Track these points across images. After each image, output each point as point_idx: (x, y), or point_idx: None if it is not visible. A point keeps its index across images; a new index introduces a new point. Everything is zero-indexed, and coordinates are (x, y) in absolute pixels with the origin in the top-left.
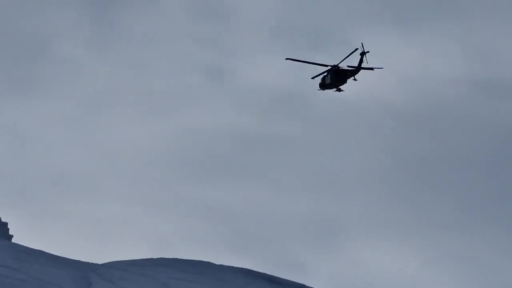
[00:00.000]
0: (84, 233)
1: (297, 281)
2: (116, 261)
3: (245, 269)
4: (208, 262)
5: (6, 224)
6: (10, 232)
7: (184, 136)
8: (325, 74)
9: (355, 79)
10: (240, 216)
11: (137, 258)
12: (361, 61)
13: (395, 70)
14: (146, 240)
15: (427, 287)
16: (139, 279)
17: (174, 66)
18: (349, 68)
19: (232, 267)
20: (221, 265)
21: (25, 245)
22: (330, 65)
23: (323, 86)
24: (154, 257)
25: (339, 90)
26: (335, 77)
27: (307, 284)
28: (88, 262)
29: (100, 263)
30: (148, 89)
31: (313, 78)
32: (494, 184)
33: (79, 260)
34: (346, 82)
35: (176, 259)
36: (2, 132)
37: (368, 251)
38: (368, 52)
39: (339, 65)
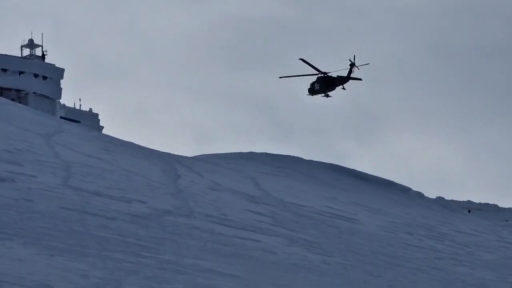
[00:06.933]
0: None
1: (383, 177)
2: (204, 154)
3: (334, 164)
4: (298, 157)
5: (97, 115)
6: (101, 123)
7: (221, 23)
8: (314, 80)
9: (344, 88)
10: (277, 106)
11: (226, 152)
12: (350, 71)
13: None
14: (188, 130)
15: (463, 177)
16: (226, 172)
17: None
18: (338, 76)
19: (321, 162)
20: (310, 160)
21: (115, 136)
22: (321, 72)
23: (312, 92)
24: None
25: (327, 96)
26: (324, 84)
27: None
28: (176, 155)
29: (186, 155)
30: None
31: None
32: None
33: (168, 152)
34: (334, 89)
35: (266, 153)
36: (43, 19)
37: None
38: (357, 67)
39: (328, 73)
